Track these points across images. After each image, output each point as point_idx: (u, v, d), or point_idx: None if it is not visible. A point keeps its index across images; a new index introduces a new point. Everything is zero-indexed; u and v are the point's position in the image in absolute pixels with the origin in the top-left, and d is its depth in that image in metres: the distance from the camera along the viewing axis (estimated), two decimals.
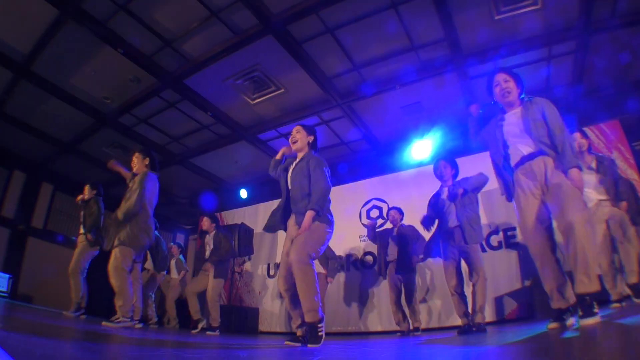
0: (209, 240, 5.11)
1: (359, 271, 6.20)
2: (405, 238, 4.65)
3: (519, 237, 5.05)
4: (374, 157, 6.77)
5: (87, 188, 4.67)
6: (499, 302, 4.88)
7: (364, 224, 6.46)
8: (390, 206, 6.41)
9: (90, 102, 5.66)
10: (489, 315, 4.91)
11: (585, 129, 5.17)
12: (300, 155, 2.82)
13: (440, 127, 5.84)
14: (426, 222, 3.81)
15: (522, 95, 2.42)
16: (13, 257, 6.50)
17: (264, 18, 4.25)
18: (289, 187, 2.75)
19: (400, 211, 4.94)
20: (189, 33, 4.56)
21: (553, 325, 2.10)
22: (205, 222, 5.21)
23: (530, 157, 2.23)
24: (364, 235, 6.39)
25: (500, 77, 2.41)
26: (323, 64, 5.04)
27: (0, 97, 5.40)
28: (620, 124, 5.03)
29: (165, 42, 4.66)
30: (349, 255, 6.37)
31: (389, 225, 5.13)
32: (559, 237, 2.14)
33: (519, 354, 1.43)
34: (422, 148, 6.01)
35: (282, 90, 5.50)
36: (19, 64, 4.85)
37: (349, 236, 6.39)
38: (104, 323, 3.21)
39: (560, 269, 2.14)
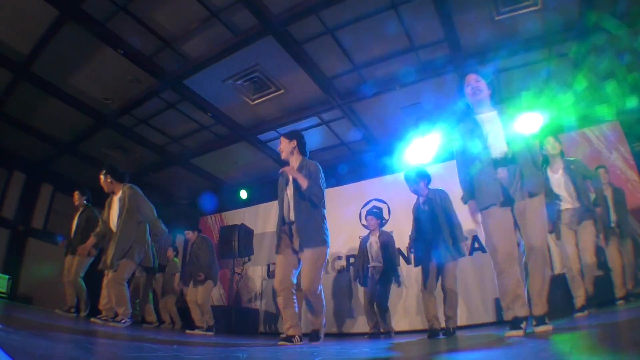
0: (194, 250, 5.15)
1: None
2: (385, 244, 4.64)
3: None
4: (374, 158, 6.77)
5: (76, 194, 4.71)
6: (498, 303, 4.87)
7: (364, 225, 6.45)
8: (386, 208, 6.42)
9: (90, 102, 5.66)
10: (489, 316, 4.92)
11: (585, 130, 5.22)
12: (293, 163, 2.86)
13: (440, 127, 5.84)
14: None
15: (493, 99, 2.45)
16: (13, 258, 6.49)
17: (263, 18, 4.25)
18: (290, 200, 2.80)
19: (377, 216, 4.92)
20: (188, 34, 4.56)
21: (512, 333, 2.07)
22: (188, 234, 5.22)
23: (505, 162, 2.22)
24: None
25: (472, 78, 2.45)
26: (323, 64, 5.04)
27: (0, 98, 5.40)
28: (620, 125, 5.03)
29: (165, 42, 4.66)
30: (348, 256, 6.37)
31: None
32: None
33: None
34: (422, 149, 6.00)
35: (282, 90, 5.50)
36: (19, 64, 4.85)
37: (349, 237, 6.38)
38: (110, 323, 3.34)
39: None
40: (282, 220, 2.85)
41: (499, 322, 4.73)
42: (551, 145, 3.58)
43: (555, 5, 4.14)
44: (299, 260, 2.78)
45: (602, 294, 3.57)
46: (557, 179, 3.51)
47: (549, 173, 3.55)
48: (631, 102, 4.86)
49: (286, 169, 2.77)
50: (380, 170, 6.64)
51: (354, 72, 5.17)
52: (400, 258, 5.78)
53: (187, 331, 4.78)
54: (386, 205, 6.41)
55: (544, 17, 4.29)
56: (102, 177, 3.84)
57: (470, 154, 2.34)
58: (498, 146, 2.25)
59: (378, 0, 4.16)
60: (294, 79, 5.25)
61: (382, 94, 5.48)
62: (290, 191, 2.83)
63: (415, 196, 4.09)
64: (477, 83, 2.41)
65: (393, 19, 4.35)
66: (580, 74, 5.01)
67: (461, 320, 5.09)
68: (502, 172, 2.20)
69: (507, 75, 5.06)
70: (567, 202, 3.43)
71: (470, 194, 2.31)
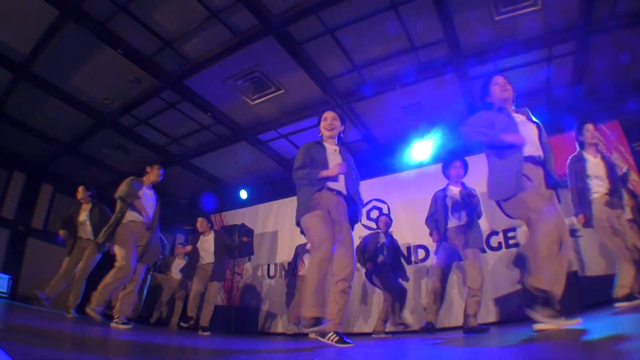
0: (204, 242, 5.14)
1: (359, 272, 6.19)
2: (395, 245, 4.85)
3: (519, 238, 5.05)
4: (374, 158, 6.76)
5: (81, 189, 4.78)
6: (499, 302, 4.87)
7: (364, 225, 6.45)
8: (386, 208, 6.44)
9: (90, 102, 5.66)
10: (490, 316, 4.91)
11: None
12: (333, 142, 2.86)
13: (440, 127, 5.84)
14: (431, 223, 3.94)
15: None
16: (13, 258, 6.49)
17: (263, 19, 4.25)
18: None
19: (389, 217, 5.16)
20: (189, 34, 4.56)
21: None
22: (202, 223, 5.27)
23: (536, 160, 2.35)
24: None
25: (500, 78, 2.60)
26: (323, 64, 5.04)
27: (0, 98, 5.40)
28: (620, 125, 5.03)
29: (165, 42, 4.66)
30: None
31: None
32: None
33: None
34: (422, 149, 6.00)
35: (282, 91, 5.50)
36: (19, 64, 4.85)
37: None
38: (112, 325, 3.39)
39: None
40: (323, 182, 2.50)
41: (500, 322, 4.73)
42: (590, 134, 3.51)
43: (555, 5, 4.13)
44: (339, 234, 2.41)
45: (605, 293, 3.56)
46: (597, 163, 3.45)
47: (587, 156, 3.48)
48: (631, 102, 4.86)
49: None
50: (380, 170, 6.63)
51: (353, 72, 5.16)
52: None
53: (200, 332, 4.73)
54: (386, 205, 6.41)
55: (544, 17, 4.29)
56: (159, 167, 4.02)
57: (503, 147, 2.34)
58: (531, 145, 2.35)
59: (378, 1, 4.16)
60: (294, 79, 5.25)
61: (382, 94, 5.48)
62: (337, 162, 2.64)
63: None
64: (505, 82, 2.56)
65: (393, 19, 4.35)
66: (580, 74, 5.01)
67: (460, 320, 5.09)
68: (536, 170, 2.31)
69: (507, 75, 5.04)
70: (604, 187, 3.39)
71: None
